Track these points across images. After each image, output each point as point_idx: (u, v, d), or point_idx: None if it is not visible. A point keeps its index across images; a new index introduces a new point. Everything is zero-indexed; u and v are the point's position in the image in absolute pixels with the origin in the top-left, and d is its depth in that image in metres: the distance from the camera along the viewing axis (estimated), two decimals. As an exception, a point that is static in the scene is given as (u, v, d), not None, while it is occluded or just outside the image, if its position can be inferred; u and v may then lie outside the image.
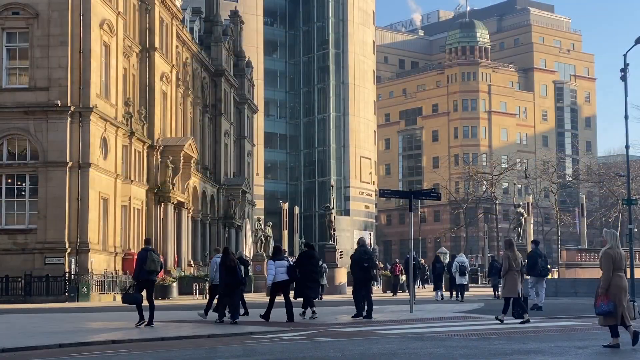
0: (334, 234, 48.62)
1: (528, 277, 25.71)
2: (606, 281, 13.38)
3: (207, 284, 27.22)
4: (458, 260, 34.08)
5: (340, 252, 55.44)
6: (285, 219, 64.90)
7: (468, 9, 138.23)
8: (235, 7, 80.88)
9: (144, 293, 19.58)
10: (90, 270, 36.79)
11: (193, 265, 53.23)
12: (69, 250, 36.83)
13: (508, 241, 19.94)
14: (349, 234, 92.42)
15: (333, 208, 51.14)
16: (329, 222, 48.44)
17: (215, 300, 21.47)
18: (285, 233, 63.99)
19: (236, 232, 67.29)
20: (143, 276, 19.10)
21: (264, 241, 54.01)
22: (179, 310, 28.12)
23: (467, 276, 33.31)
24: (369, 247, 25.61)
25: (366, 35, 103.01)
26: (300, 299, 20.94)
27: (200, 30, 66.43)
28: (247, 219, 64.93)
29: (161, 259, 20.10)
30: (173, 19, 52.67)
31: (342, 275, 46.05)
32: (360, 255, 20.49)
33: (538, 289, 25.58)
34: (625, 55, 37.20)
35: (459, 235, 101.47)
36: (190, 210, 55.52)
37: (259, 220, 65.50)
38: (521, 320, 19.13)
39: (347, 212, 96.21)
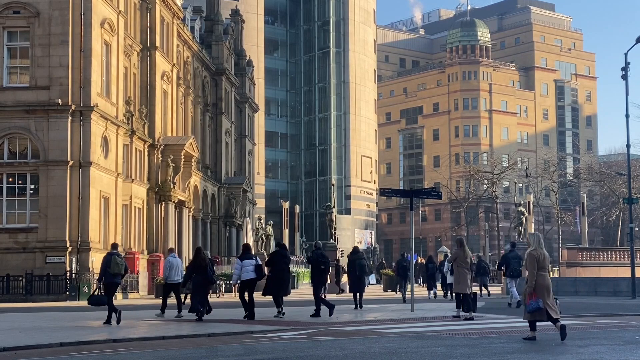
0: (335, 232, 48.66)
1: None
2: (532, 280, 14.38)
3: (162, 283, 27.71)
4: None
5: (341, 251, 55.46)
6: (286, 218, 64.94)
7: (469, 7, 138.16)
8: (236, 6, 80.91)
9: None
10: (91, 269, 36.79)
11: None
12: (69, 249, 36.85)
13: (459, 240, 20.71)
14: (350, 232, 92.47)
15: (334, 207, 51.20)
16: (329, 221, 48.48)
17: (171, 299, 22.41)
18: (286, 232, 64.03)
19: (237, 231, 67.32)
20: (108, 279, 19.83)
21: (264, 240, 54.06)
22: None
23: None
24: (361, 252, 26.99)
25: (367, 34, 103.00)
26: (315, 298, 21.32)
27: (201, 29, 66.45)
28: (248, 218, 64.92)
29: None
30: (174, 18, 52.68)
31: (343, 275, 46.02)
32: (318, 257, 21.05)
33: (513, 287, 27.26)
34: (626, 54, 37.21)
35: (460, 234, 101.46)
36: (191, 209, 55.54)
37: (259, 219, 65.63)
38: (465, 316, 19.96)
39: (347, 211, 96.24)
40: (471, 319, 19.74)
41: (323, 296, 22.21)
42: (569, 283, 39.54)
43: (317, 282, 21.26)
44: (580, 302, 29.93)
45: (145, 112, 47.24)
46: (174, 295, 22.85)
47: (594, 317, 21.44)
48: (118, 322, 19.59)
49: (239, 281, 20.95)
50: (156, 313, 22.54)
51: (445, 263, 34.34)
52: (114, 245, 21.04)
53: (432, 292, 35.61)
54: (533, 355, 12.23)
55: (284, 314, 21.18)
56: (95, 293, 20.31)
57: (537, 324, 14.66)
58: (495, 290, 42.07)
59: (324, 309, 21.19)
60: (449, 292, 33.04)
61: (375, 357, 12.36)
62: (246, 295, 20.89)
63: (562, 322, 14.30)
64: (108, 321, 19.77)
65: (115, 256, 19.86)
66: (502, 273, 27.82)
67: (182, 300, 23.16)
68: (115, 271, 19.73)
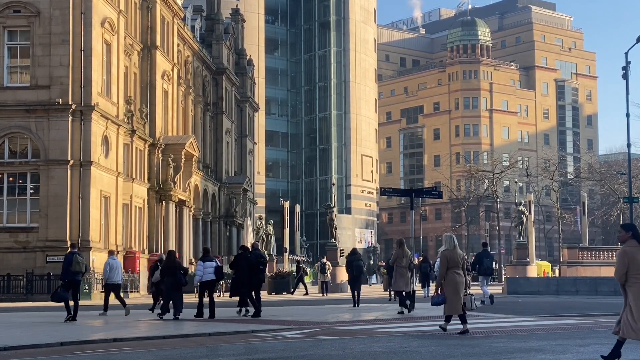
0: (336, 232, 48.64)
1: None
2: (441, 277, 15.82)
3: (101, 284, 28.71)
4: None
5: (342, 250, 55.45)
6: (286, 218, 64.93)
7: (469, 7, 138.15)
8: (237, 5, 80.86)
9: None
10: (91, 269, 36.79)
11: (194, 263, 53.24)
12: (69, 249, 36.80)
13: (399, 241, 21.73)
14: (351, 232, 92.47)
15: (334, 206, 51.15)
16: (330, 220, 48.45)
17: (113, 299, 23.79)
18: (287, 231, 64.03)
19: (237, 230, 67.33)
20: (69, 277, 21.12)
21: (265, 239, 54.06)
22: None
23: None
24: (358, 254, 27.92)
25: (367, 33, 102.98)
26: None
27: (202, 28, 66.44)
28: (249, 218, 64.96)
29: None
30: (174, 17, 52.68)
31: (343, 274, 46.00)
32: (257, 258, 21.58)
33: (484, 284, 28.76)
34: (626, 54, 37.20)
35: (460, 234, 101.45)
36: (192, 209, 55.54)
37: (260, 218, 65.65)
38: (399, 311, 21.53)
39: (348, 211, 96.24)
40: (401, 313, 21.28)
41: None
42: (570, 282, 39.52)
43: (257, 282, 21.62)
44: (581, 301, 29.92)
45: (146, 111, 47.23)
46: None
47: (595, 316, 21.44)
48: (74, 319, 20.86)
49: (199, 282, 21.59)
50: (99, 313, 23.63)
51: (437, 263, 35.05)
52: (74, 245, 22.37)
53: (425, 290, 36.69)
54: (534, 354, 12.23)
55: (247, 311, 21.71)
56: (58, 291, 21.59)
57: (541, 322, 14.72)
58: (495, 290, 42.04)
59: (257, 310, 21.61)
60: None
61: (375, 357, 12.36)
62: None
63: (466, 328, 15.70)
64: (74, 319, 20.90)
65: (76, 255, 21.29)
66: (475, 272, 30.40)
67: (156, 300, 24.64)
68: (77, 269, 21.14)
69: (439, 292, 15.75)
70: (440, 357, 12.06)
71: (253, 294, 21.38)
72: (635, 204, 40.44)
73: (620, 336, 10.80)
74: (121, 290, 24.70)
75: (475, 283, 30.42)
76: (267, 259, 23.83)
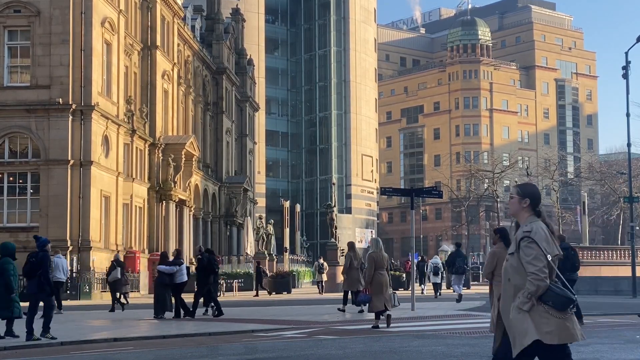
0: (336, 231, 48.65)
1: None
2: (369, 277, 17.10)
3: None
4: (432, 261, 37.32)
5: (342, 250, 55.46)
6: (286, 217, 64.90)
7: (469, 6, 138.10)
8: (237, 5, 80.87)
9: None
10: (92, 269, 36.82)
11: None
12: (70, 249, 36.85)
13: (350, 243, 22.89)
14: (351, 232, 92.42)
15: (334, 206, 51.19)
16: (330, 220, 48.47)
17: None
18: (287, 231, 63.97)
19: (238, 230, 67.35)
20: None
21: (265, 239, 54.05)
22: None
23: (440, 276, 36.24)
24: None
25: (367, 33, 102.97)
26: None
27: (202, 28, 66.44)
28: (249, 217, 64.96)
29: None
30: (174, 17, 52.69)
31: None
32: (210, 261, 22.23)
33: (458, 283, 30.33)
34: (627, 53, 37.18)
35: (461, 233, 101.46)
36: (192, 209, 55.55)
37: (260, 218, 65.63)
38: (360, 310, 22.17)
39: (348, 210, 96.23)
40: (362, 311, 21.70)
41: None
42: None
43: (205, 284, 22.22)
44: (581, 300, 29.84)
45: (146, 111, 47.23)
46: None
47: (595, 316, 21.45)
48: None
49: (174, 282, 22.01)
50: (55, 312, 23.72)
51: (429, 264, 37.72)
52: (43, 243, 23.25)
53: (421, 287, 38.97)
54: (534, 354, 12.21)
55: (207, 312, 22.32)
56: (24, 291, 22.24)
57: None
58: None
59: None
60: (438, 291, 35.15)
61: (376, 356, 12.37)
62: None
63: (389, 312, 17.14)
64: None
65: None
66: (447, 271, 32.82)
67: (118, 298, 26.18)
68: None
69: (366, 291, 17.16)
70: (440, 356, 12.07)
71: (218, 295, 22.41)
72: (636, 204, 40.43)
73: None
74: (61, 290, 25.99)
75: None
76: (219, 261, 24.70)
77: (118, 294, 26.37)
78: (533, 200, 6.48)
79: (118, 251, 35.97)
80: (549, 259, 6.27)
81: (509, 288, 6.41)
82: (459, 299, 28.33)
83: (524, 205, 6.46)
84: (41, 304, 15.85)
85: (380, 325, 17.02)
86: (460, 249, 31.71)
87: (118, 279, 26.51)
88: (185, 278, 22.08)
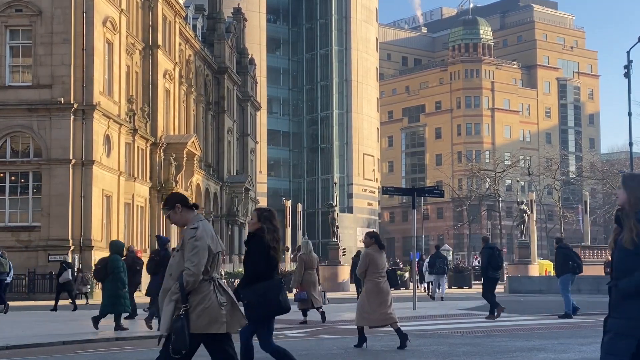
0: (337, 231, 48.64)
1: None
2: (299, 277, 18.41)
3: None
4: (428, 261, 37.97)
5: (344, 249, 55.45)
6: (288, 217, 64.86)
7: (471, 6, 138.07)
8: (238, 5, 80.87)
9: None
10: (93, 268, 36.79)
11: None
12: (72, 248, 36.88)
13: (304, 243, 23.17)
14: (352, 231, 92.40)
15: (336, 205, 51.15)
16: (332, 219, 48.46)
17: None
18: (289, 231, 63.94)
19: (239, 229, 67.35)
20: None
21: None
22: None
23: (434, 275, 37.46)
24: None
25: (369, 32, 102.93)
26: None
27: (203, 27, 66.44)
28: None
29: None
30: (176, 16, 52.69)
31: (345, 273, 46.08)
32: (134, 259, 23.02)
33: (440, 283, 31.35)
34: (629, 52, 37.17)
35: (462, 233, 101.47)
36: (193, 208, 55.50)
37: (262, 217, 65.48)
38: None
39: (350, 210, 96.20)
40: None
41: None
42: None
43: (131, 284, 22.27)
44: (583, 300, 29.88)
45: (148, 110, 47.24)
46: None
47: (597, 315, 21.43)
48: (5, 312, 23.74)
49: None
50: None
51: (424, 264, 38.03)
52: None
53: (422, 285, 39.93)
54: (535, 353, 12.23)
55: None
56: None
57: (542, 321, 14.71)
58: (497, 289, 42.05)
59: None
60: (429, 290, 35.87)
61: (377, 355, 12.36)
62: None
63: (322, 310, 18.54)
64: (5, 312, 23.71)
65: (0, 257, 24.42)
66: (428, 271, 33.39)
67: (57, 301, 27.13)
68: (1, 270, 24.49)
69: (300, 290, 18.39)
70: (442, 356, 12.07)
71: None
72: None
73: (356, 324, 13.40)
74: (6, 290, 27.27)
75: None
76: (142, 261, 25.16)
77: (82, 293, 28.51)
78: (182, 201, 7.05)
79: (66, 254, 36.00)
80: (214, 255, 6.83)
81: (169, 282, 6.87)
82: (440, 299, 29.51)
83: (180, 211, 7.00)
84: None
85: (308, 321, 18.37)
86: (439, 251, 32.88)
87: (69, 280, 27.46)
88: None
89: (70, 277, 27.45)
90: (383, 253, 13.48)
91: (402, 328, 13.21)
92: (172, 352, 6.62)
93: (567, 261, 20.44)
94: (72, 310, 25.90)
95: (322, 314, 18.54)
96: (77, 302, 28.41)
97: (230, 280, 42.59)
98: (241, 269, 49.02)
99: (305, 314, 18.60)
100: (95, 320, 17.10)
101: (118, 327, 17.13)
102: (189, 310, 6.67)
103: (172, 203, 7.09)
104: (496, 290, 21.43)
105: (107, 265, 17.10)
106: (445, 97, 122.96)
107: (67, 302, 28.02)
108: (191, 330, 6.62)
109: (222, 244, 7.05)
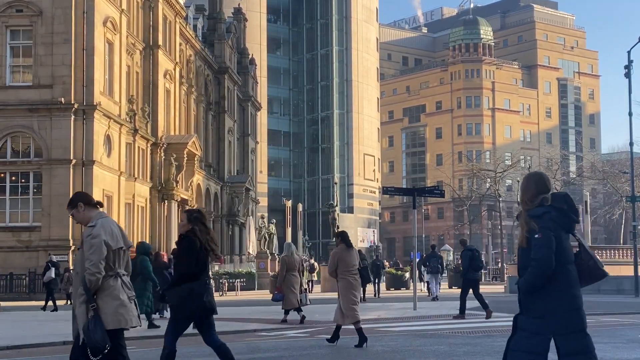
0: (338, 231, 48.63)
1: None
2: (281, 278, 18.92)
3: None
4: (420, 260, 38.82)
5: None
6: (288, 217, 64.91)
7: (471, 6, 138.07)
8: (239, 5, 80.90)
9: None
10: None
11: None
12: (73, 248, 36.86)
13: (287, 245, 23.81)
14: (353, 231, 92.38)
15: (336, 205, 51.20)
16: (332, 219, 48.49)
17: None
18: (289, 230, 63.99)
19: (240, 229, 67.35)
20: None
21: (267, 239, 53.98)
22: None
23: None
24: (363, 254, 29.51)
25: (369, 32, 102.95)
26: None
27: (204, 27, 66.45)
28: (251, 217, 64.97)
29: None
30: (176, 16, 52.70)
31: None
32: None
33: (434, 283, 31.65)
34: (629, 52, 37.14)
35: (463, 233, 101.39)
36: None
37: (262, 217, 65.61)
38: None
39: (350, 210, 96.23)
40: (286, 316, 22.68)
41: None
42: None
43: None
44: (584, 300, 29.89)
45: (148, 110, 47.24)
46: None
47: (597, 315, 21.43)
48: None
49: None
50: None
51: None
52: None
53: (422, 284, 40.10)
54: (536, 353, 12.20)
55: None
56: None
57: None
58: (498, 289, 42.07)
59: None
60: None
61: (377, 356, 12.36)
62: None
63: (303, 313, 18.97)
64: None
65: None
66: (422, 271, 34.18)
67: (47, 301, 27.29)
68: None
69: (279, 290, 18.92)
70: (442, 356, 12.07)
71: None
72: (638, 203, 40.46)
73: (335, 322, 13.78)
74: None
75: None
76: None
77: (69, 293, 27.68)
78: (84, 200, 7.25)
79: (50, 253, 36.01)
80: (115, 251, 6.93)
81: (76, 280, 7.02)
82: (435, 298, 29.38)
83: (82, 210, 7.22)
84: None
85: (288, 319, 18.95)
86: (434, 251, 33.49)
87: (53, 279, 27.51)
88: None
89: (54, 276, 27.33)
90: (352, 251, 13.90)
91: (402, 328, 13.21)
92: (91, 354, 6.68)
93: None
94: (52, 311, 25.84)
95: (302, 317, 18.92)
96: (63, 302, 28.39)
97: (231, 280, 42.59)
98: (242, 269, 49.03)
99: (287, 313, 19.08)
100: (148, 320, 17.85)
101: (151, 325, 17.75)
102: (97, 309, 6.75)
103: (75, 202, 7.24)
104: (499, 290, 21.42)
105: (135, 266, 17.46)
106: (446, 97, 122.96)
107: (62, 302, 28.10)
108: (106, 328, 6.72)
109: (127, 240, 7.14)
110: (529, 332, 5.67)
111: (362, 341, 13.30)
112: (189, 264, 8.24)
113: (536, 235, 5.72)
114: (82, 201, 7.21)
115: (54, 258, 29.83)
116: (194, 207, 10.47)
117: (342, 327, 13.75)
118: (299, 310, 18.98)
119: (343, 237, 13.98)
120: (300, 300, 19.21)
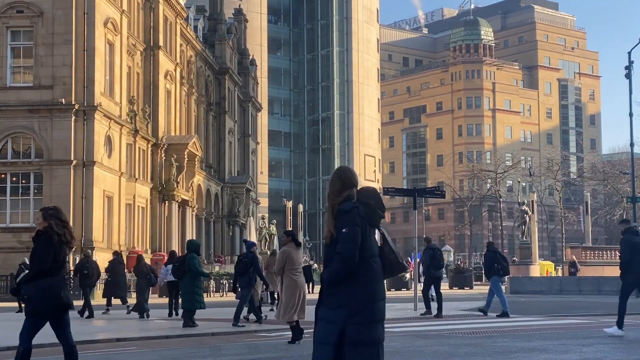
0: (338, 232, 48.64)
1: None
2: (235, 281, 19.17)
3: None
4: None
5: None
6: (289, 217, 64.92)
7: (472, 6, 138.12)
8: (239, 5, 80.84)
9: None
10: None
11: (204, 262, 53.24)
12: (73, 249, 36.85)
13: (273, 250, 23.86)
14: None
15: (337, 206, 51.12)
16: (333, 220, 48.50)
17: None
18: (290, 231, 64.01)
19: (240, 230, 67.35)
20: None
21: (268, 239, 54.09)
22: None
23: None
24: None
25: (370, 33, 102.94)
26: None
27: (205, 28, 66.47)
28: (251, 217, 64.95)
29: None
30: (177, 17, 52.72)
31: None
32: (83, 264, 24.15)
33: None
34: (630, 53, 37.18)
35: (463, 234, 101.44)
36: (195, 209, 55.55)
37: (263, 218, 65.61)
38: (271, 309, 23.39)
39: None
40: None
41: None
42: (573, 282, 39.49)
43: (85, 286, 23.79)
44: (584, 301, 29.89)
45: (149, 111, 47.26)
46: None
47: (598, 316, 21.42)
48: None
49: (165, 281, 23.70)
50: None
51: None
52: None
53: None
54: (537, 354, 12.22)
55: (108, 311, 24.08)
56: None
57: (544, 322, 14.69)
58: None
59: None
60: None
61: (378, 356, 12.32)
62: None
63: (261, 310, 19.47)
64: None
65: None
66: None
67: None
68: None
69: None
70: (443, 356, 12.07)
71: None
72: (639, 204, 40.48)
73: (285, 321, 14.04)
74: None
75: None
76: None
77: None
78: None
79: (24, 258, 36.00)
80: None
81: None
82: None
83: None
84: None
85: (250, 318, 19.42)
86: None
87: None
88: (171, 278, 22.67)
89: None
90: (299, 250, 14.40)
91: (402, 328, 13.20)
92: None
93: (493, 264, 21.27)
94: (16, 312, 25.82)
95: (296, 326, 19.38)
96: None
97: (231, 281, 42.54)
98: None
99: (248, 312, 19.49)
100: (184, 318, 18.03)
101: (186, 323, 17.75)
102: None
103: None
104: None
105: (184, 263, 17.88)
106: (446, 98, 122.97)
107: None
108: None
109: None
110: (325, 322, 5.82)
111: (297, 336, 13.87)
112: (46, 260, 8.40)
113: (343, 230, 5.90)
114: None
115: (27, 260, 29.84)
116: (50, 205, 10.45)
117: (297, 322, 14.05)
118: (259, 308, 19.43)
119: (293, 235, 14.57)
120: (262, 299, 19.86)
